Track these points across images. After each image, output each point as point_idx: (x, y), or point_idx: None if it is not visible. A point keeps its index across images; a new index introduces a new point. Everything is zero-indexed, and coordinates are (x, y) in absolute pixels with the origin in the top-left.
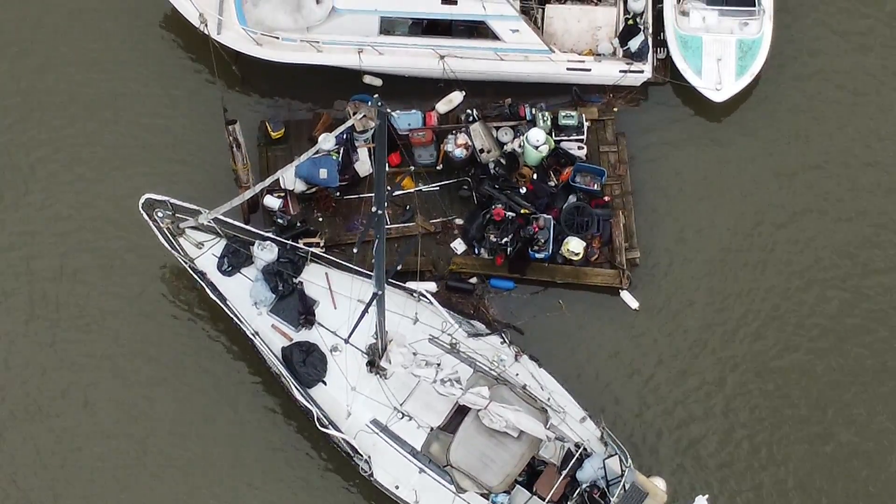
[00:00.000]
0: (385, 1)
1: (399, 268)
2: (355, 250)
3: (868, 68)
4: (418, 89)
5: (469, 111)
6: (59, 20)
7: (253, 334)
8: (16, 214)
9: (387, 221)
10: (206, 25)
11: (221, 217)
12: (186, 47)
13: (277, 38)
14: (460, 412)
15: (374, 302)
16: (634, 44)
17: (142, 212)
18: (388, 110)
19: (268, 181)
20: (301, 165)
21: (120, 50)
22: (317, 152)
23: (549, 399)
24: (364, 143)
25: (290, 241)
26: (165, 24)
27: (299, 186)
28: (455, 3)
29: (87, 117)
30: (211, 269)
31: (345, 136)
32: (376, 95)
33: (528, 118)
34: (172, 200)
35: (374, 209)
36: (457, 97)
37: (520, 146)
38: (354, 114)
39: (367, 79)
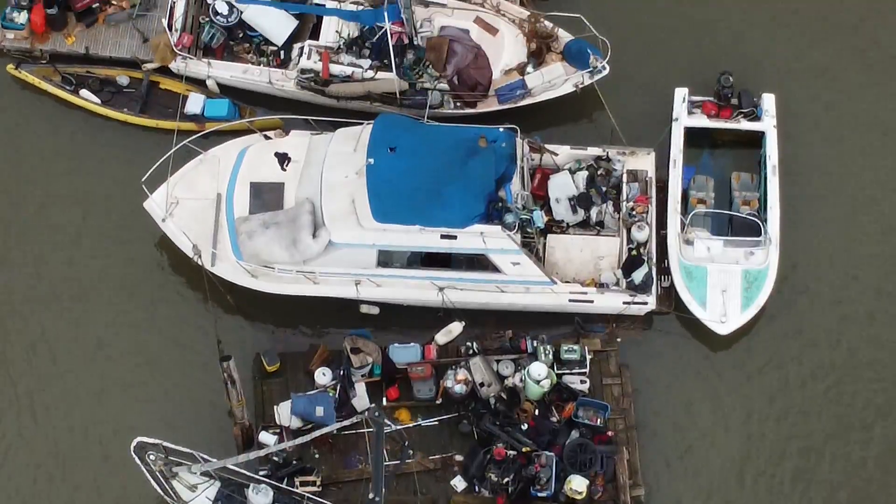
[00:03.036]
0: (382, 235)
1: None
2: None
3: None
4: (417, 318)
5: (469, 343)
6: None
7: None
8: (3, 443)
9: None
10: (200, 257)
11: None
12: (179, 274)
13: (273, 269)
14: None
15: None
16: (638, 276)
17: (133, 455)
18: (386, 421)
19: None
20: (297, 402)
21: (112, 276)
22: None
23: None
24: (361, 379)
25: (284, 483)
26: (160, 248)
27: (295, 423)
28: (454, 237)
29: (76, 348)
30: None
31: (342, 373)
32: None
33: (529, 351)
34: (165, 444)
35: (371, 496)
36: (456, 328)
37: (521, 380)
38: (352, 349)
39: (365, 308)
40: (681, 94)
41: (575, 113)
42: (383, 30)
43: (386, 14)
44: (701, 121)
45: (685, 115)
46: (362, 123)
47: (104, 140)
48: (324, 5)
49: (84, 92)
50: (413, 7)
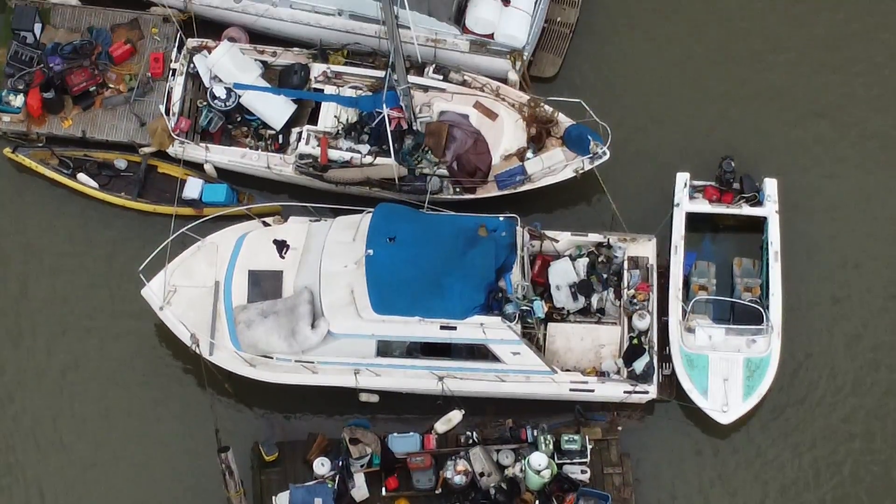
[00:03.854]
0: (382, 326)
1: None
2: None
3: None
4: (416, 406)
5: (468, 432)
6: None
7: None
8: None
9: None
10: (198, 346)
11: None
12: (177, 361)
13: (271, 358)
14: None
15: None
16: (639, 365)
17: None
18: None
19: None
20: (295, 493)
21: (108, 363)
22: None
23: None
24: (360, 469)
25: None
26: (157, 334)
27: None
28: (454, 328)
29: (69, 433)
30: None
31: (340, 463)
32: None
33: (529, 441)
34: None
35: None
36: (456, 416)
37: (521, 470)
38: (350, 440)
39: (364, 396)
40: (682, 178)
41: (575, 197)
42: (382, 115)
43: (384, 100)
44: (702, 206)
45: (687, 200)
46: (361, 210)
47: (101, 224)
48: (322, 91)
49: (81, 176)
50: (412, 92)
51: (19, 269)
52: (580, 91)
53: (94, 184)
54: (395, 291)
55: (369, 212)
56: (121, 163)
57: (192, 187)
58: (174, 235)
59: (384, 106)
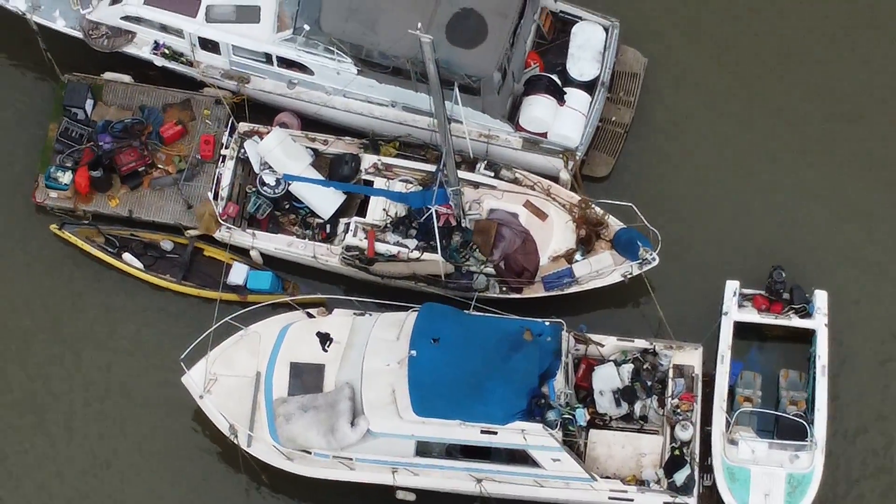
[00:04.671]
0: (422, 427)
1: None
2: None
3: None
4: None
5: None
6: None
7: None
8: None
9: None
10: (236, 437)
11: None
12: (214, 448)
13: (309, 453)
14: None
15: None
16: (680, 477)
17: None
18: None
19: None
20: None
21: (145, 446)
22: None
23: None
24: None
25: None
26: (196, 420)
27: None
28: (495, 433)
29: None
30: None
31: None
32: None
33: None
34: None
35: None
36: None
37: None
38: None
39: (401, 494)
40: (732, 287)
41: (622, 301)
42: (430, 211)
43: (434, 198)
44: (751, 315)
45: (735, 308)
46: (406, 306)
47: (144, 305)
48: (372, 183)
49: (127, 255)
50: (462, 188)
51: (56, 349)
52: (632, 193)
53: (139, 264)
54: (436, 394)
55: (414, 310)
56: (167, 244)
57: (238, 273)
58: (217, 325)
59: (433, 202)
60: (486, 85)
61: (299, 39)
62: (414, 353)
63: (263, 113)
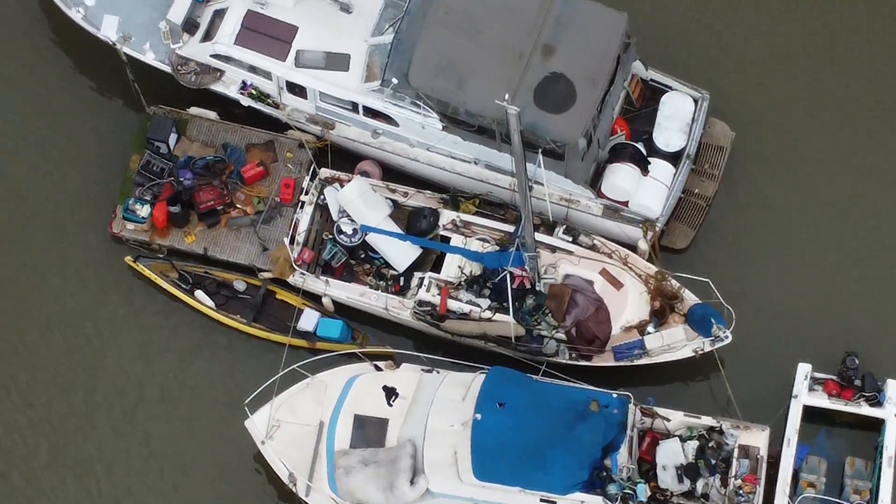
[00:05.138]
0: (481, 491)
1: None
2: None
3: None
4: None
5: None
6: None
7: None
8: None
9: None
10: (295, 485)
11: None
12: (272, 492)
13: None
14: None
15: None
16: None
17: None
18: None
19: None
20: None
21: (206, 487)
22: None
23: None
24: None
25: None
26: (256, 462)
27: None
28: (554, 502)
29: None
30: None
31: None
32: None
33: None
34: None
35: None
36: None
37: None
38: None
39: None
40: (803, 370)
41: (691, 376)
42: (505, 272)
43: (510, 260)
44: (821, 400)
45: (805, 392)
46: (474, 365)
47: (213, 344)
48: (449, 239)
49: (199, 293)
50: (539, 251)
51: (120, 380)
52: (709, 267)
53: (210, 303)
54: (498, 459)
55: (482, 372)
56: (240, 284)
57: (308, 319)
58: (284, 371)
59: (509, 265)
60: (571, 151)
61: (387, 91)
62: (479, 416)
63: (345, 159)
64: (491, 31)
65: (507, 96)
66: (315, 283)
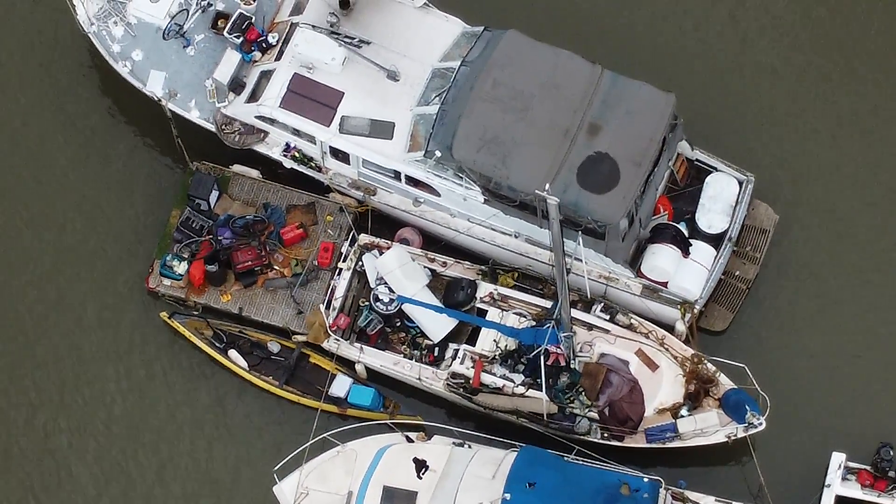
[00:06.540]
0: None
1: None
2: None
3: None
4: None
5: None
6: None
7: None
8: None
9: None
10: None
11: None
12: None
13: None
14: None
15: None
16: None
17: None
18: None
19: None
20: None
21: None
22: None
23: None
24: None
25: None
26: None
27: None
28: None
29: None
30: None
31: None
32: None
33: None
34: None
35: None
36: None
37: None
38: None
39: None
40: (837, 459)
41: (723, 460)
42: (540, 349)
43: (546, 337)
44: (854, 490)
45: (839, 482)
46: (504, 441)
47: (243, 403)
48: (486, 312)
49: (233, 353)
50: (575, 329)
51: (147, 437)
52: (746, 351)
53: (244, 363)
54: None
55: (514, 450)
56: (274, 346)
57: (341, 385)
58: (314, 440)
59: (545, 342)
60: (612, 231)
61: (429, 162)
62: (508, 496)
63: (385, 224)
64: (537, 108)
65: (547, 186)
66: (349, 350)
